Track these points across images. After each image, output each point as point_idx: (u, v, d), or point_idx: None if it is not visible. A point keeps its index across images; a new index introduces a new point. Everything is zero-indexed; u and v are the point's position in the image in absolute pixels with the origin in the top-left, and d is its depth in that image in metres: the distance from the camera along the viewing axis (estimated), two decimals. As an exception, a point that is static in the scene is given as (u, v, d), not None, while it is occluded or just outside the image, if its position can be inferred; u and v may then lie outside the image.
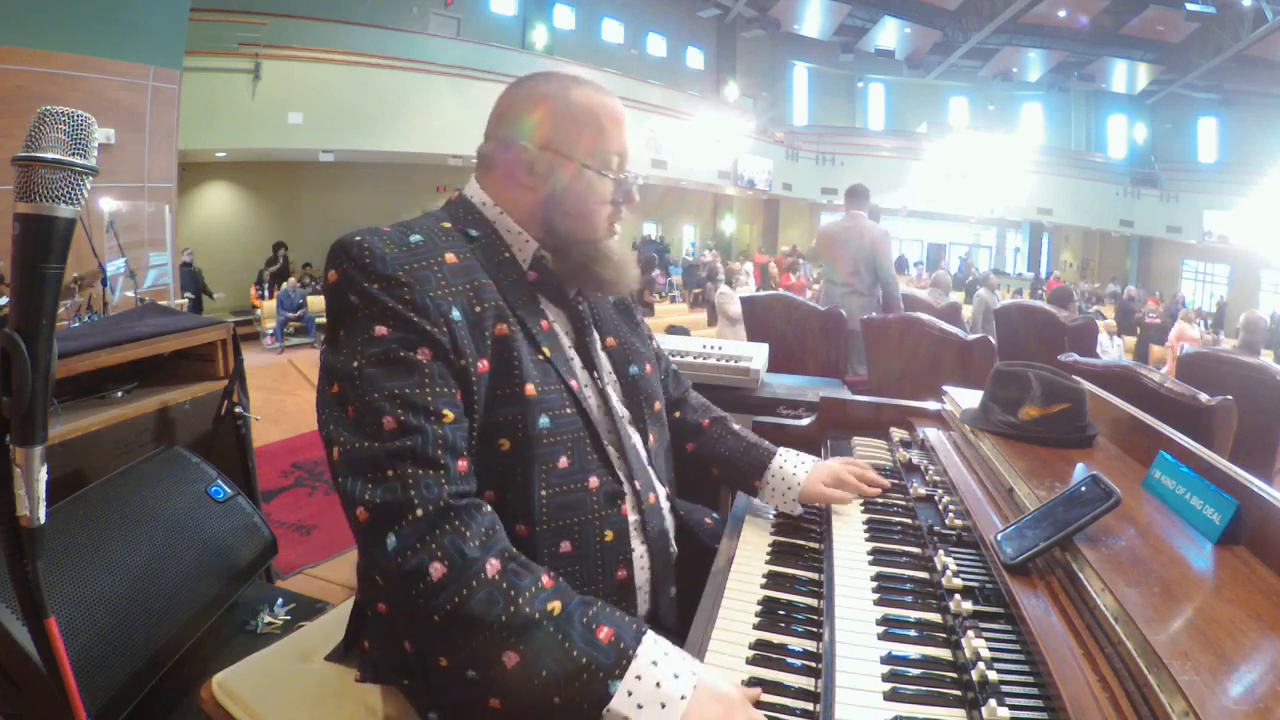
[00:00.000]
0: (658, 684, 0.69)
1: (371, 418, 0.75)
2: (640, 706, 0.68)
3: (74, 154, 0.67)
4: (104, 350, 1.67)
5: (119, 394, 1.84)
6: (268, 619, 1.77)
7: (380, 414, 0.75)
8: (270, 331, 8.50)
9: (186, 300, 7.25)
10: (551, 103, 0.94)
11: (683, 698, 0.69)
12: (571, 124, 0.93)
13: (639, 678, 0.69)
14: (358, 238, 0.82)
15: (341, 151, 9.66)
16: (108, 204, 5.58)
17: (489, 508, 0.79)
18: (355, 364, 0.77)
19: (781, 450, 1.19)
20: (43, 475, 0.68)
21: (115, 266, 4.98)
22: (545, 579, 0.75)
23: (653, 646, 0.72)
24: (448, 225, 0.91)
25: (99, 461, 1.69)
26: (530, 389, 0.86)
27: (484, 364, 0.84)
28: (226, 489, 1.73)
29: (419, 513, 0.72)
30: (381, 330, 0.78)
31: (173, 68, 6.41)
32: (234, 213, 10.59)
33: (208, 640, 1.58)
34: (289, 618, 1.79)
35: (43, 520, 0.69)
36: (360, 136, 9.64)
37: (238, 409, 2.06)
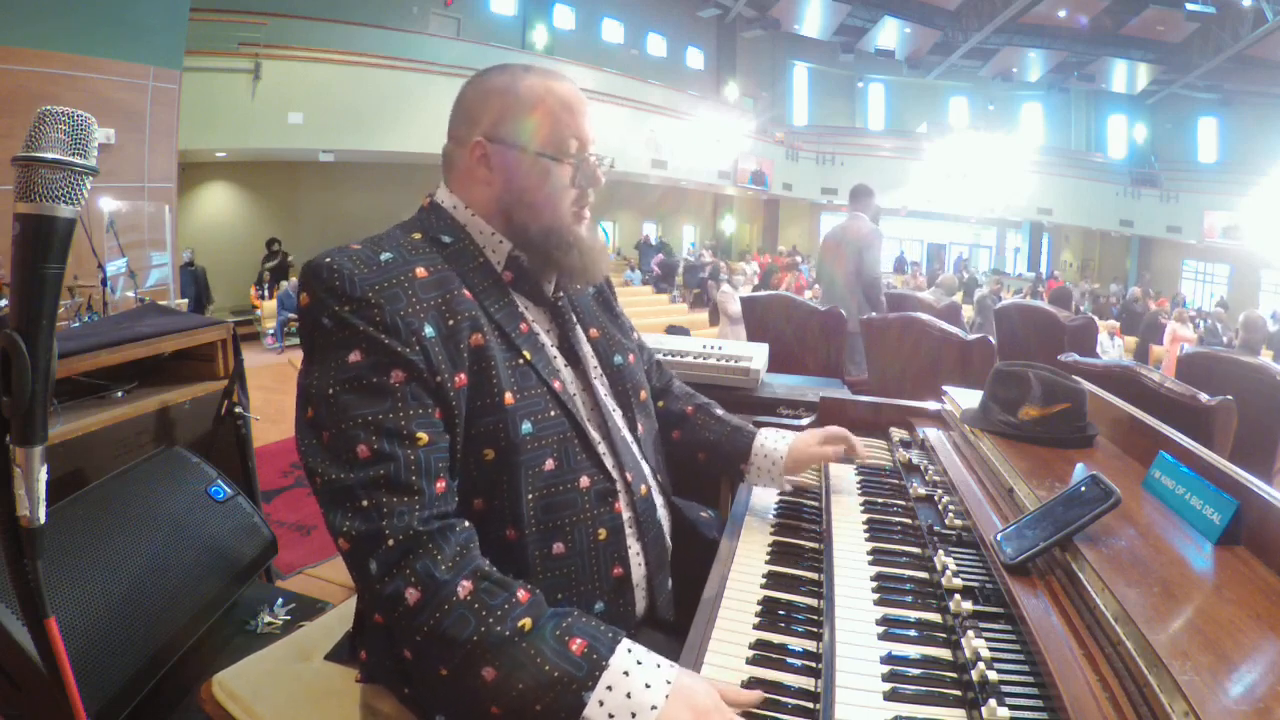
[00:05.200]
0: (628, 694, 0.70)
1: (345, 446, 0.76)
2: (611, 716, 0.69)
3: (74, 154, 0.67)
4: (104, 350, 1.67)
5: (119, 394, 1.84)
6: (268, 619, 1.77)
7: (354, 442, 0.76)
8: (270, 331, 8.50)
9: (186, 302, 7.24)
10: (501, 95, 0.94)
11: (653, 707, 0.69)
12: (524, 112, 0.93)
13: (610, 688, 0.70)
14: (327, 259, 0.82)
15: (341, 151, 9.66)
16: (108, 204, 5.58)
17: (465, 524, 0.79)
18: (330, 390, 0.78)
19: (762, 429, 1.20)
20: (43, 475, 0.68)
21: (115, 266, 4.99)
22: (520, 594, 0.76)
23: (625, 656, 0.72)
24: (418, 236, 0.91)
25: (99, 461, 1.69)
26: (509, 397, 0.86)
27: (461, 377, 0.84)
28: (226, 489, 1.73)
29: (390, 542, 0.74)
30: (354, 356, 0.79)
31: (173, 68, 6.41)
32: (234, 213, 10.59)
33: (208, 640, 1.58)
34: (289, 618, 1.78)
35: (43, 520, 0.69)
36: (360, 136, 9.63)
37: (238, 409, 2.06)
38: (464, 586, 0.74)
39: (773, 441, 1.17)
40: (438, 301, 0.85)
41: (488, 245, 0.95)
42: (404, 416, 0.78)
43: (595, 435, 0.95)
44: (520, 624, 0.73)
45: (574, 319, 1.03)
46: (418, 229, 0.93)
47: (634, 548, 0.96)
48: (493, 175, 0.94)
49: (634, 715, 0.69)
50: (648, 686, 0.70)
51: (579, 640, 0.73)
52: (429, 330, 0.82)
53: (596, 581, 0.91)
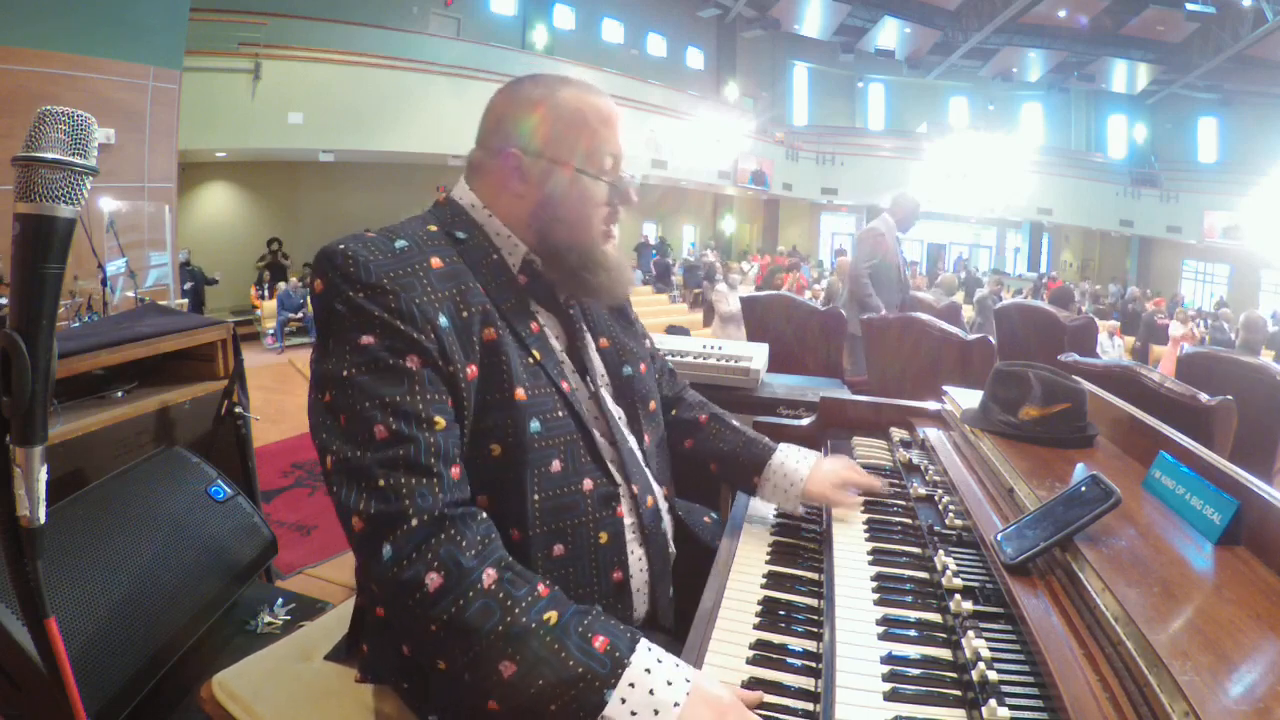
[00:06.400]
0: (651, 691, 0.69)
1: (362, 427, 0.75)
2: (634, 714, 0.69)
3: (74, 154, 0.67)
4: (104, 350, 1.67)
5: (119, 394, 1.84)
6: (268, 619, 1.77)
7: (371, 423, 0.75)
8: (270, 331, 8.51)
9: (186, 302, 7.24)
10: (542, 107, 0.93)
11: (675, 704, 0.69)
12: (564, 127, 0.92)
13: (632, 685, 0.70)
14: (341, 245, 0.81)
15: (341, 151, 9.66)
16: (108, 204, 5.58)
17: (484, 515, 0.79)
18: (345, 372, 0.77)
19: (783, 446, 1.15)
20: (43, 475, 0.69)
21: (115, 266, 4.99)
22: (541, 588, 0.75)
23: (646, 654, 0.72)
24: (434, 228, 0.91)
25: (99, 461, 1.69)
26: (520, 393, 0.86)
27: (473, 369, 0.83)
28: (226, 489, 1.73)
29: (414, 522, 0.72)
30: (368, 339, 0.78)
31: (173, 68, 6.40)
32: (234, 213, 10.59)
33: (208, 640, 1.58)
34: (289, 618, 1.78)
35: (43, 520, 0.69)
36: (360, 136, 9.63)
37: (238, 409, 2.06)
38: (489, 574, 0.73)
39: (794, 462, 1.12)
40: (452, 292, 0.85)
41: (504, 247, 0.94)
42: (421, 400, 0.78)
43: (601, 441, 0.94)
44: (545, 617, 0.72)
45: (584, 328, 1.02)
46: (433, 221, 0.92)
47: (636, 553, 0.95)
48: (528, 188, 0.93)
49: (656, 712, 0.68)
50: (669, 684, 0.70)
51: (601, 637, 0.72)
52: (443, 320, 0.82)
53: (596, 585, 0.91)
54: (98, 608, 1.27)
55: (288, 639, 1.22)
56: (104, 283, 4.68)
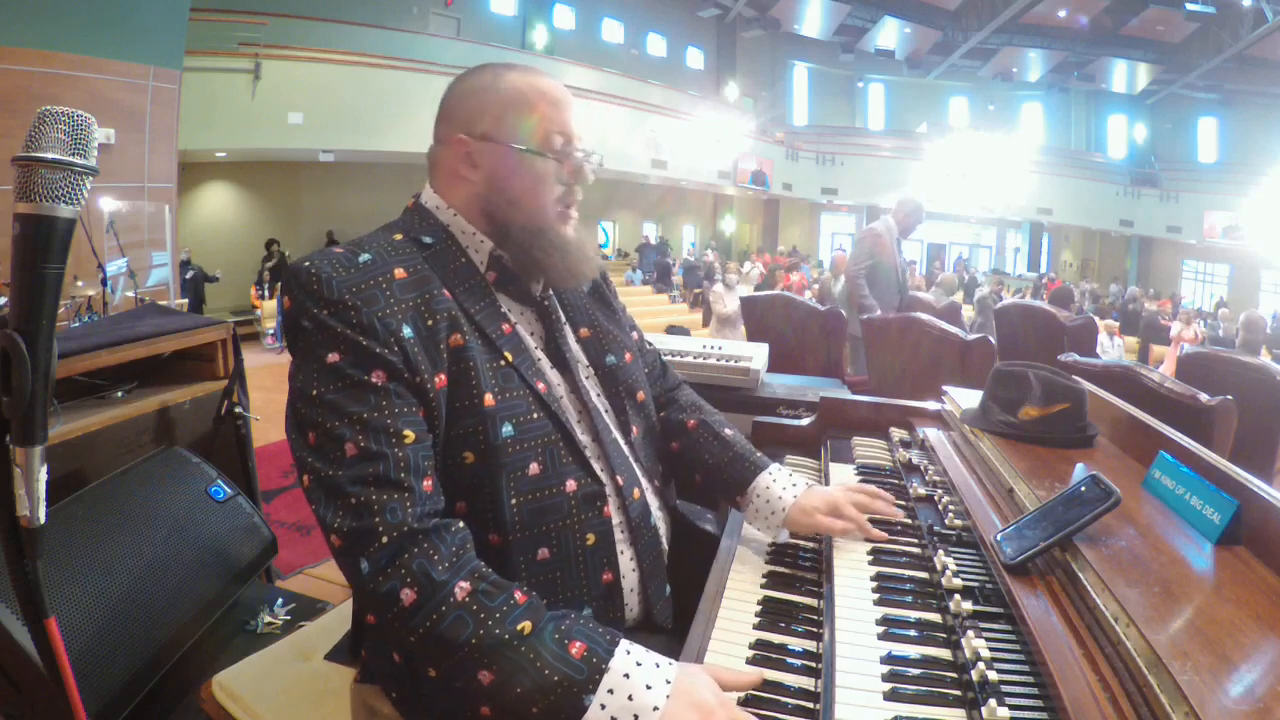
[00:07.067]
0: (630, 696, 0.70)
1: (333, 445, 0.76)
2: (613, 719, 0.69)
3: (74, 154, 0.67)
4: (104, 350, 1.67)
5: (119, 394, 1.84)
6: (268, 619, 1.77)
7: (341, 441, 0.76)
8: (270, 331, 8.50)
9: (186, 302, 7.24)
10: (483, 93, 0.93)
11: (655, 708, 0.69)
12: (503, 109, 0.92)
13: (611, 691, 0.70)
14: (306, 263, 0.82)
15: (341, 151, 9.65)
16: (108, 204, 5.58)
17: (460, 524, 0.79)
18: (314, 390, 0.78)
19: (773, 467, 1.07)
20: (43, 475, 0.69)
21: (115, 267, 4.98)
22: (518, 596, 0.75)
23: (625, 658, 0.72)
24: (400, 237, 0.90)
25: (99, 461, 1.69)
26: (489, 399, 0.85)
27: (441, 378, 0.83)
28: (226, 489, 1.73)
29: (384, 539, 0.73)
30: (334, 356, 0.79)
31: (173, 68, 6.40)
32: (234, 213, 10.58)
33: (208, 640, 1.58)
34: (289, 618, 1.78)
35: (43, 520, 0.69)
36: (360, 136, 9.63)
37: (238, 409, 2.06)
38: (462, 588, 0.73)
39: (780, 486, 1.04)
40: (416, 302, 0.84)
41: (470, 245, 0.94)
42: (389, 415, 0.78)
43: (583, 439, 0.93)
44: (520, 627, 0.72)
45: (561, 319, 1.01)
46: (399, 230, 0.92)
47: (626, 553, 0.94)
48: (475, 172, 0.93)
49: (636, 717, 0.69)
50: (649, 687, 0.70)
51: (578, 643, 0.72)
52: (407, 331, 0.82)
53: (584, 587, 0.90)
54: (98, 608, 1.27)
55: (287, 639, 1.22)
56: (104, 283, 4.68)
